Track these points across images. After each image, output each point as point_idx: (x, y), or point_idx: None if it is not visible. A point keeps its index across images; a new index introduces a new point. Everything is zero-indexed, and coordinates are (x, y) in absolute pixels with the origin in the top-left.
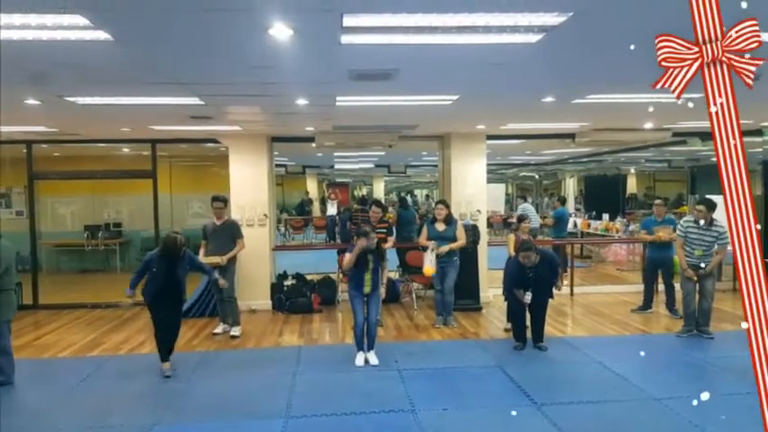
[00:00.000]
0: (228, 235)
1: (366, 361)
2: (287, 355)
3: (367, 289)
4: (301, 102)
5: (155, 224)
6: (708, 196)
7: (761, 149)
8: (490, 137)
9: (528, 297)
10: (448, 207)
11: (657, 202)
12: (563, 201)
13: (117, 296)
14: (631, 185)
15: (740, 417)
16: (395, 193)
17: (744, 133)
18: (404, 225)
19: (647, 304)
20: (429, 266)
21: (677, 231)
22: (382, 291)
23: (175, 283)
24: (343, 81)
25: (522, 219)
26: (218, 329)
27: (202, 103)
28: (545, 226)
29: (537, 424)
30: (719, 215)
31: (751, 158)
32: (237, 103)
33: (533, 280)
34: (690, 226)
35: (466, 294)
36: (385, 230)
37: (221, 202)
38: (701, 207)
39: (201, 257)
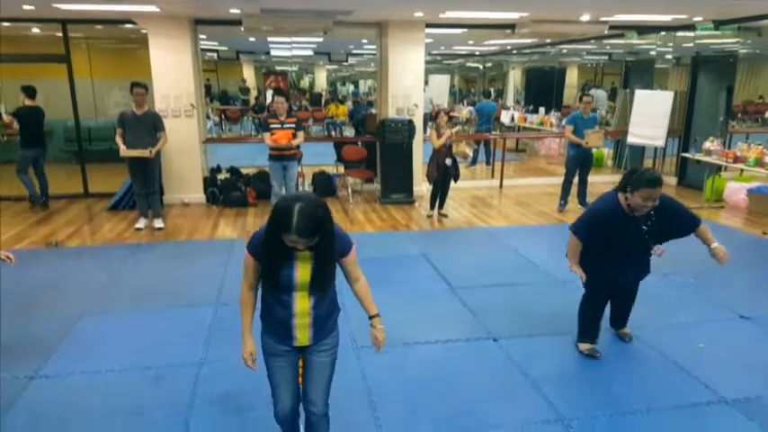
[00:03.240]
0: (150, 126)
1: None
2: (220, 247)
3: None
4: None
5: (74, 112)
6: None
7: (692, 44)
8: (429, 25)
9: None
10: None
11: (586, 99)
12: (487, 94)
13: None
14: (572, 79)
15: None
16: (337, 83)
17: (677, 28)
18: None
19: (566, 200)
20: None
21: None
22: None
23: None
24: None
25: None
26: (140, 224)
27: None
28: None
29: (449, 305)
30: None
31: (684, 53)
32: None
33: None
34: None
35: (400, 188)
36: (294, 125)
37: (143, 88)
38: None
39: (122, 149)
